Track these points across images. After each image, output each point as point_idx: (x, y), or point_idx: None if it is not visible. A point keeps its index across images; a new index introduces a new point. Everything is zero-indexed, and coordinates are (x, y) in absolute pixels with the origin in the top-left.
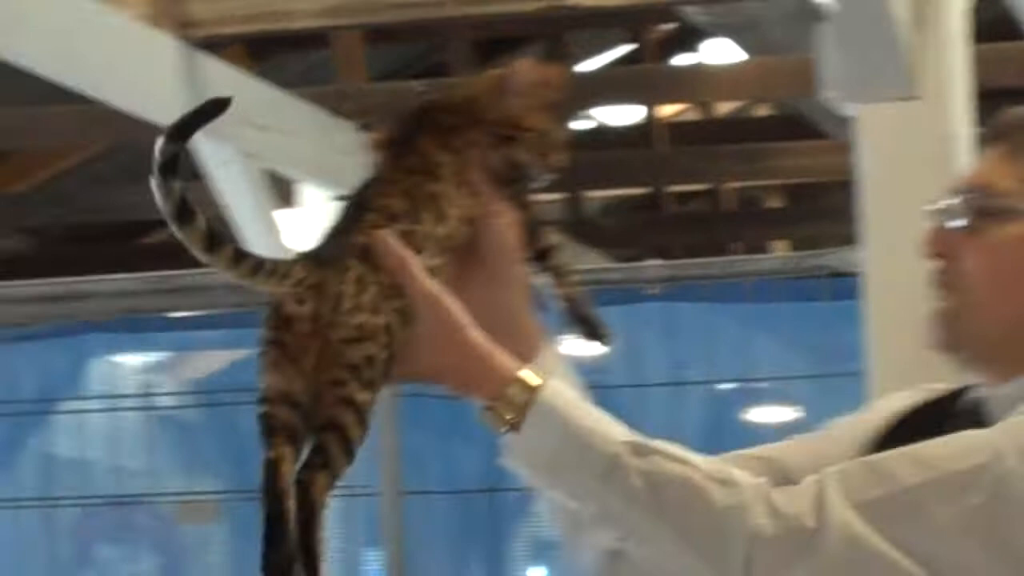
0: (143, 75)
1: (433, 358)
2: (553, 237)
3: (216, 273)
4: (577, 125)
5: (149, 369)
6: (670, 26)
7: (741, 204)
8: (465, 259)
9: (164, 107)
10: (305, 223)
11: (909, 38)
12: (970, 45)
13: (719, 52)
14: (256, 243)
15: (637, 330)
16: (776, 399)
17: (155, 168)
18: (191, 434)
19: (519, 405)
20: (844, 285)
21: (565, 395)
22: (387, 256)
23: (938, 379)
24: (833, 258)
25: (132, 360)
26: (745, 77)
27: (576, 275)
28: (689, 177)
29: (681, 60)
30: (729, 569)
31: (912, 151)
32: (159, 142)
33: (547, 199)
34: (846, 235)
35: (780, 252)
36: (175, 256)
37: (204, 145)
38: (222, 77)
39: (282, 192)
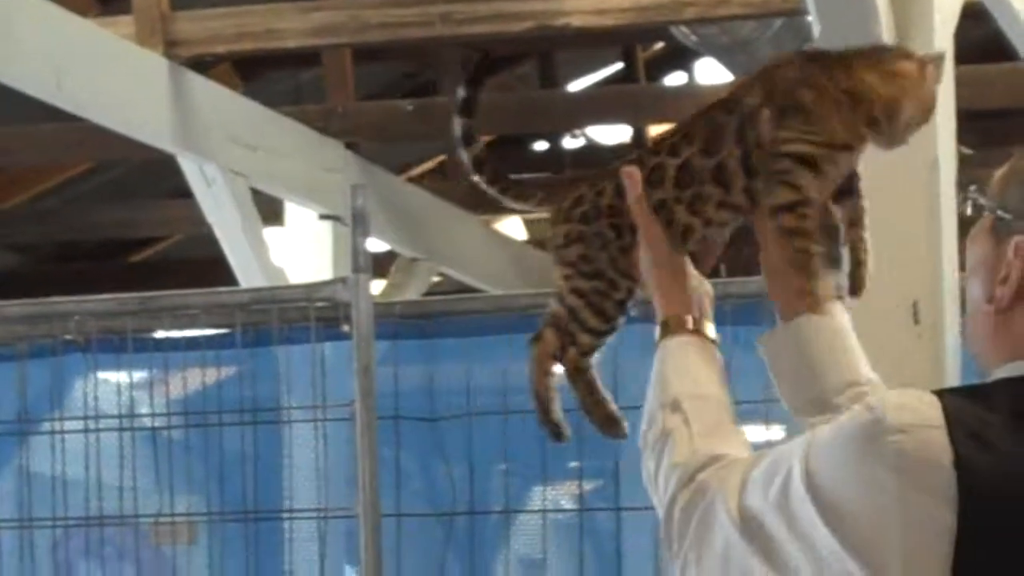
0: (131, 94)
1: (646, 273)
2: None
3: (198, 294)
4: (567, 144)
5: (130, 389)
6: (660, 46)
7: None
8: None
9: (151, 126)
10: (293, 241)
11: None
12: (954, 67)
13: (710, 72)
14: (244, 261)
15: (619, 352)
16: (756, 420)
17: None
18: (172, 454)
19: (664, 332)
20: None
21: (693, 344)
22: (628, 185)
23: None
24: None
25: (112, 379)
26: None
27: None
28: None
29: (671, 80)
30: (662, 503)
31: (895, 175)
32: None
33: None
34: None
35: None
36: (161, 274)
37: (191, 163)
38: (210, 96)
39: (270, 210)
